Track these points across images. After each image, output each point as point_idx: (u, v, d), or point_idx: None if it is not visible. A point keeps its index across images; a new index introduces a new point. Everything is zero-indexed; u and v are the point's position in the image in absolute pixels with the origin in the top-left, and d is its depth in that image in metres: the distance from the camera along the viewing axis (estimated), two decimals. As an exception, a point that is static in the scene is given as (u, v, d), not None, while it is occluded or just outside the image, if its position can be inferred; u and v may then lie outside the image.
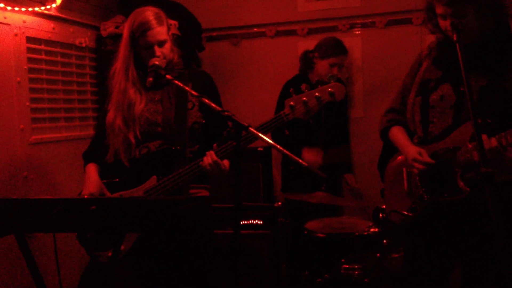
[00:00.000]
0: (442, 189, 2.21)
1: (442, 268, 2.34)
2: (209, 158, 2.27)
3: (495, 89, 2.12)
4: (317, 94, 2.09)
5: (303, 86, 2.13)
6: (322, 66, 3.87)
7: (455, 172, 2.16)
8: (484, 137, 1.99)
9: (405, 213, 2.31)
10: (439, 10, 2.15)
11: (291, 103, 2.12)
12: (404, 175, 2.38)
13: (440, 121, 2.25)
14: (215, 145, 2.30)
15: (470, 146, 2.09)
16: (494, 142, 2.00)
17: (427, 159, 2.22)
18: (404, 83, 2.48)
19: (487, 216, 2.13)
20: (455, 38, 1.80)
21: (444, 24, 2.16)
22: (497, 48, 2.17)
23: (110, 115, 2.48)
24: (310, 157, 3.80)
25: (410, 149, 2.30)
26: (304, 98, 2.10)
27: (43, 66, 3.70)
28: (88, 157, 2.61)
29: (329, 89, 2.08)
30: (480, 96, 2.14)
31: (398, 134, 2.45)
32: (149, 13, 2.41)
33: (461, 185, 2.14)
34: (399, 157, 2.47)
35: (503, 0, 2.14)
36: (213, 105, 2.03)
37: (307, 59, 4.02)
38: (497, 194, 2.10)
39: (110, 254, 2.37)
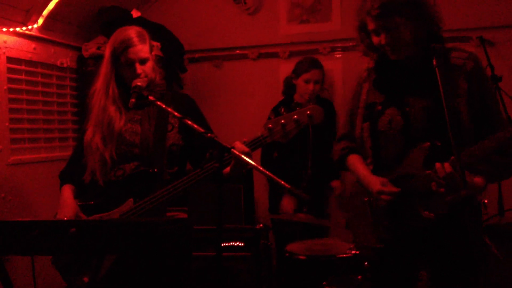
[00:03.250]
0: (405, 218, 2.17)
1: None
2: (242, 147, 2.14)
3: (439, 108, 2.06)
4: (295, 117, 2.08)
5: (282, 109, 2.13)
6: (299, 85, 3.92)
7: (414, 201, 2.13)
8: (438, 166, 1.98)
9: (375, 245, 2.24)
10: (371, 25, 2.15)
11: (269, 125, 2.11)
12: (367, 205, 2.31)
13: (391, 146, 2.21)
14: (245, 139, 2.20)
15: (428, 172, 2.05)
16: (448, 168, 1.96)
17: (392, 188, 2.16)
18: (349, 108, 2.43)
19: (454, 239, 2.15)
20: (434, 63, 1.81)
21: (378, 39, 2.15)
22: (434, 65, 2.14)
23: (89, 133, 2.44)
24: (285, 204, 3.90)
25: (372, 180, 2.23)
26: (283, 121, 2.09)
27: (23, 87, 3.68)
28: (64, 178, 2.57)
29: (308, 112, 2.08)
30: (427, 118, 2.13)
31: (356, 164, 2.37)
32: (132, 31, 2.42)
33: (424, 213, 2.11)
34: (357, 187, 2.40)
35: (432, 11, 2.14)
36: (195, 126, 2.02)
37: (289, 83, 4.08)
38: (453, 220, 2.13)
39: (86, 279, 2.33)
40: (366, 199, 2.30)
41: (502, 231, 3.33)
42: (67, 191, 2.50)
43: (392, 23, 2.08)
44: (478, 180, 2.05)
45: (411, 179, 2.13)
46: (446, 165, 1.97)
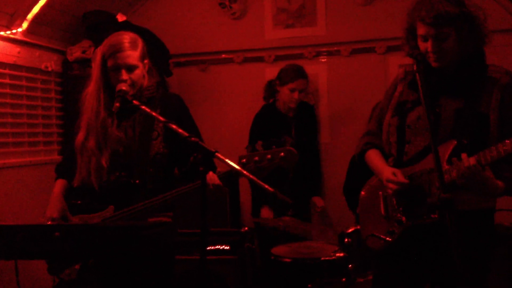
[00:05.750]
0: (421, 212, 2.22)
1: None
2: (214, 177, 2.28)
3: (470, 112, 2.16)
4: (269, 156, 2.16)
5: (259, 143, 2.19)
6: (283, 93, 3.94)
7: (434, 194, 2.16)
8: (463, 155, 2.03)
9: (383, 237, 2.30)
10: (421, 30, 2.17)
11: (243, 160, 2.19)
12: (381, 199, 2.38)
13: (416, 141, 2.27)
14: (219, 169, 2.30)
15: (447, 167, 2.10)
16: (472, 160, 2.01)
17: (401, 179, 2.22)
18: (381, 106, 2.51)
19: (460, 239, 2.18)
20: (415, 68, 1.85)
21: (424, 45, 2.19)
22: (472, 73, 2.22)
23: (80, 136, 2.43)
24: (265, 214, 3.90)
25: (384, 170, 2.31)
26: (256, 158, 2.17)
27: (8, 91, 3.66)
28: (60, 171, 2.58)
29: (281, 154, 2.14)
30: (456, 118, 2.19)
31: (373, 157, 2.46)
32: (124, 37, 2.39)
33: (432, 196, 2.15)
34: (374, 181, 2.48)
35: (482, 27, 2.18)
36: (180, 130, 2.03)
37: (271, 88, 4.09)
38: (468, 221, 2.16)
39: (67, 271, 2.34)
40: (380, 192, 2.38)
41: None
42: (58, 188, 2.52)
43: (443, 34, 2.12)
44: (499, 182, 2.09)
45: (432, 173, 2.17)
46: (471, 158, 2.02)
